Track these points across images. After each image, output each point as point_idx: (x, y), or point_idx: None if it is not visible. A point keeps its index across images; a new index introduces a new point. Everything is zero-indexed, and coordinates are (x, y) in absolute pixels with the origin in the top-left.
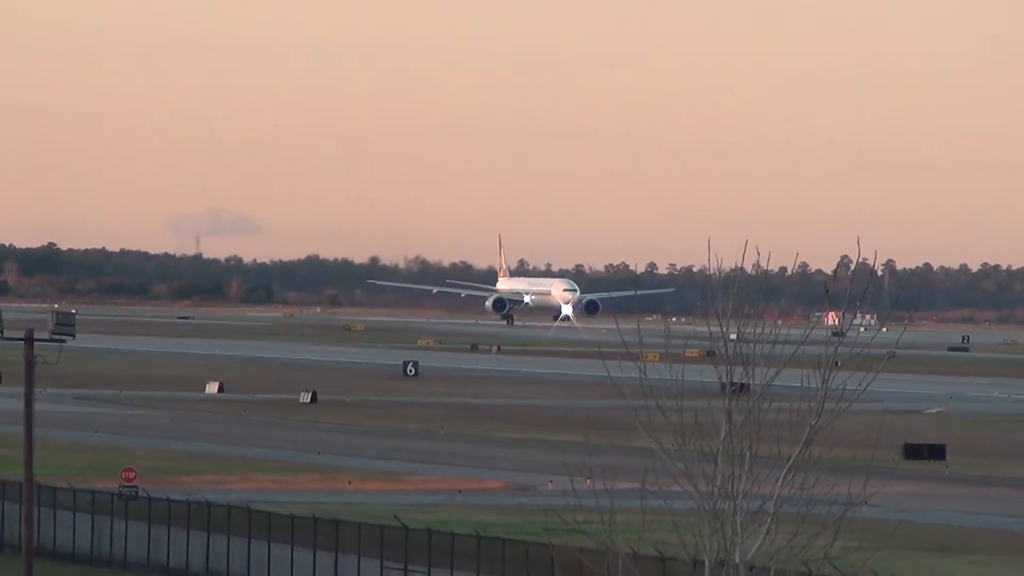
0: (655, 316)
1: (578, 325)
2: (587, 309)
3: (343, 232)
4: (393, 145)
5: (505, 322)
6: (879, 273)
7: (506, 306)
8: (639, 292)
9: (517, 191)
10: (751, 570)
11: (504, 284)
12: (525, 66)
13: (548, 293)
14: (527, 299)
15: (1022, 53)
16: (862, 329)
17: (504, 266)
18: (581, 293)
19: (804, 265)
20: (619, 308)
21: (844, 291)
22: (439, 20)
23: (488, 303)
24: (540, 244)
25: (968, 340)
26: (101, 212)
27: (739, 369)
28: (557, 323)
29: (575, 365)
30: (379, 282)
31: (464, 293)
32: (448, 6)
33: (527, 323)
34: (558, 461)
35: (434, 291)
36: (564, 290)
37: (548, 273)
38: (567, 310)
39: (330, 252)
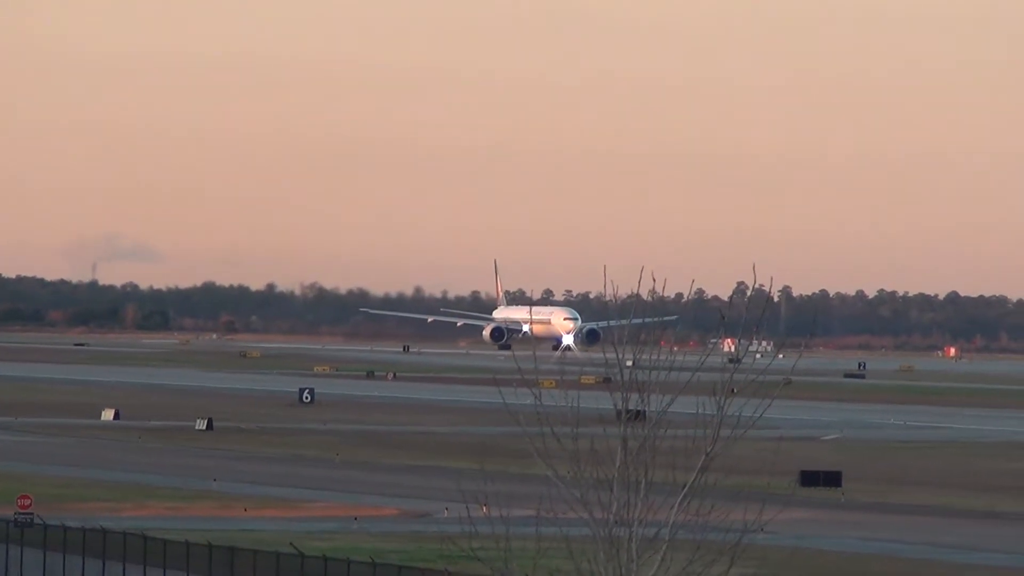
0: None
1: (579, 354)
2: (588, 338)
3: (239, 259)
4: (288, 171)
5: (505, 352)
6: (775, 299)
7: (504, 335)
8: (643, 320)
9: (413, 217)
10: None
11: (501, 313)
12: (414, 88)
13: (548, 322)
14: (526, 328)
15: (907, 79)
16: (758, 356)
17: (500, 294)
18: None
19: (700, 291)
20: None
21: (740, 317)
22: (332, 47)
23: (486, 333)
24: (437, 270)
25: (864, 367)
26: None
27: (635, 396)
28: (559, 353)
29: (471, 392)
30: (372, 311)
31: (460, 322)
32: (342, 30)
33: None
34: (454, 488)
35: (429, 320)
36: (565, 319)
37: (443, 301)
38: (568, 339)
39: (226, 279)
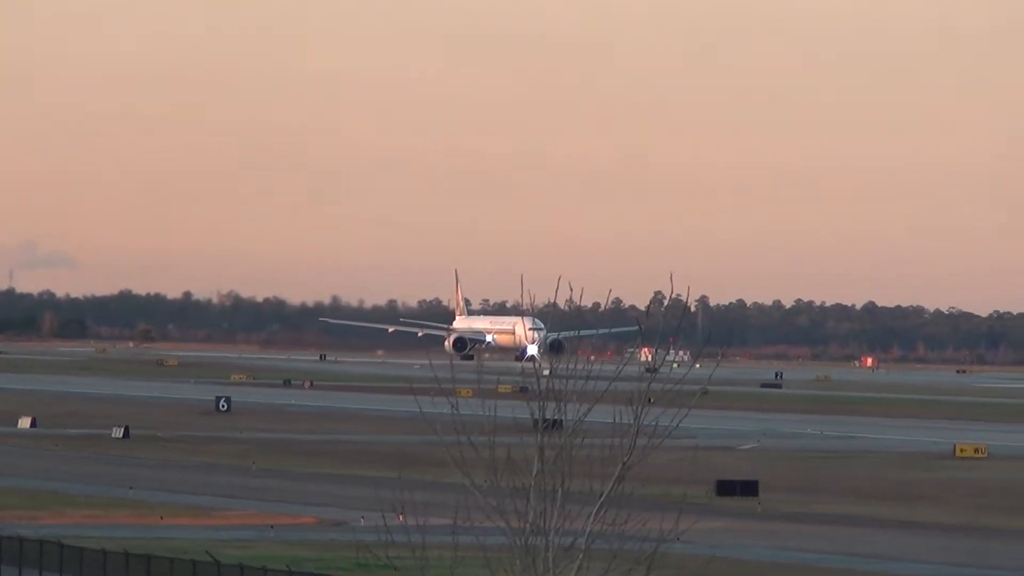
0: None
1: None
2: (551, 348)
3: (156, 267)
4: (205, 179)
5: (467, 361)
6: (692, 309)
7: (467, 346)
8: (610, 330)
9: (330, 225)
10: None
11: (462, 323)
12: (329, 94)
13: (512, 332)
14: (489, 338)
15: (819, 86)
16: (675, 365)
17: (461, 304)
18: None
19: (618, 300)
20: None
21: (657, 327)
22: (238, 50)
23: (448, 343)
24: (353, 279)
25: (781, 376)
26: None
27: (552, 405)
28: (523, 363)
29: (388, 400)
30: (331, 320)
31: (421, 332)
32: (253, 34)
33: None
34: (371, 496)
35: (390, 330)
36: (530, 329)
37: (359, 310)
38: (532, 349)
39: (143, 287)
